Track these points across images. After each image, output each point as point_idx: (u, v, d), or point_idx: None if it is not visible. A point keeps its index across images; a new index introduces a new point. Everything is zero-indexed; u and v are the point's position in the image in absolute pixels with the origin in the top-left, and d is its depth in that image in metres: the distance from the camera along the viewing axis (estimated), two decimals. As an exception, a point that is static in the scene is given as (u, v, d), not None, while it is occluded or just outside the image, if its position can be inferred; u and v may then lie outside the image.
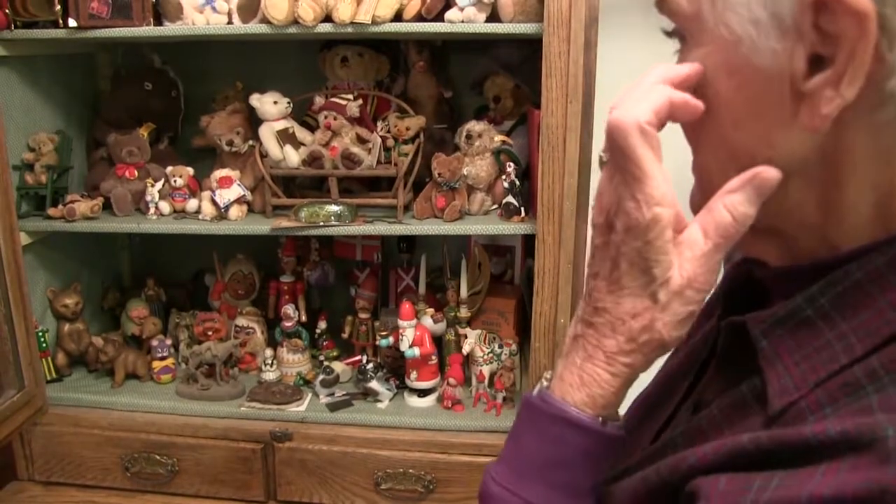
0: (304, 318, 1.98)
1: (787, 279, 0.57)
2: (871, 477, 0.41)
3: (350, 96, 1.79)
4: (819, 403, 0.50)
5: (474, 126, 1.72)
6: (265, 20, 1.58)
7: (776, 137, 0.52)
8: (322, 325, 1.99)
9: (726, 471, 0.50)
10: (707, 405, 0.61)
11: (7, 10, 1.62)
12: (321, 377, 1.83)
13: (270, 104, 1.75)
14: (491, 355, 1.79)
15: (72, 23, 1.63)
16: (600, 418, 0.60)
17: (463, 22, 1.54)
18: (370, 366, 1.82)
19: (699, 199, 0.59)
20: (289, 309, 1.93)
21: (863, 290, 0.51)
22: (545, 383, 0.65)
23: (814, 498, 0.42)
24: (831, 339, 0.51)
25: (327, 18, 1.57)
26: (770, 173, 0.52)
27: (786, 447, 0.47)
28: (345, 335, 1.98)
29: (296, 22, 1.56)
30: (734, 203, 0.53)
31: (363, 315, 1.96)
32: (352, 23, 1.54)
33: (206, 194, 1.79)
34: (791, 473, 0.46)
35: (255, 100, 1.76)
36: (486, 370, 1.79)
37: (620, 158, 0.54)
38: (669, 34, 0.59)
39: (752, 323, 0.57)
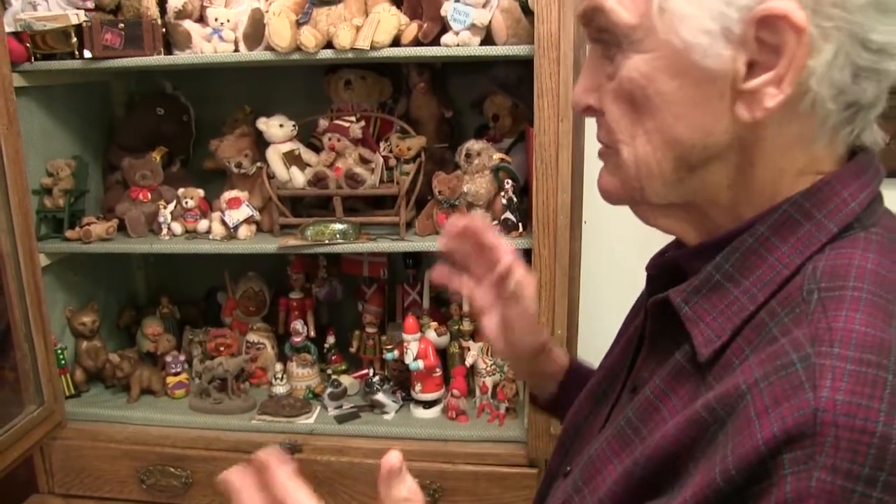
0: (312, 334, 2.04)
1: (697, 256, 0.67)
2: (798, 405, 0.49)
3: (353, 118, 1.85)
4: (741, 349, 0.59)
5: (473, 145, 1.77)
6: (269, 47, 1.65)
7: (713, 127, 0.62)
8: (330, 339, 2.05)
9: (692, 439, 0.57)
10: (644, 384, 0.69)
11: (28, 44, 1.70)
12: (329, 390, 1.89)
13: (277, 127, 1.82)
14: (494, 367, 1.83)
15: (87, 54, 1.71)
16: None
17: (458, 45, 1.60)
18: (377, 379, 1.88)
19: (616, 183, 0.69)
20: (298, 324, 1.99)
21: (756, 253, 0.62)
22: None
23: (767, 441, 0.50)
24: (738, 294, 0.62)
25: (328, 45, 1.64)
26: (395, 461, 0.65)
27: (728, 400, 0.55)
28: (352, 349, 2.03)
29: (298, 49, 1.63)
30: (400, 495, 0.66)
31: (370, 329, 2.01)
32: (352, 49, 1.60)
33: (216, 215, 1.86)
34: (731, 430, 0.53)
35: (262, 123, 1.83)
36: (489, 381, 1.83)
37: None
38: (596, 40, 0.67)
39: (673, 295, 0.67)
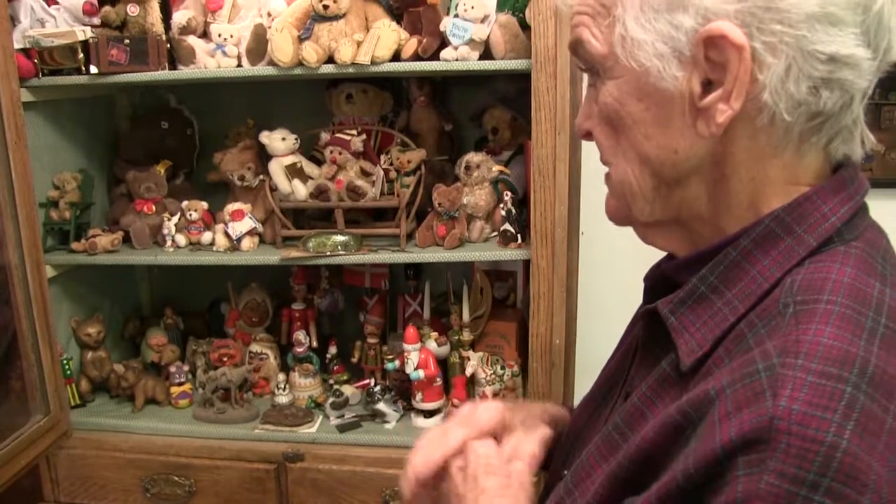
0: (315, 344, 2.06)
1: (686, 268, 0.70)
2: (757, 412, 0.52)
3: (354, 132, 1.88)
4: (721, 358, 0.62)
5: (473, 157, 1.80)
6: (272, 62, 1.68)
7: (679, 144, 0.65)
8: (332, 350, 2.07)
9: (669, 441, 0.60)
10: (634, 391, 0.72)
11: (35, 60, 1.74)
12: (331, 400, 1.91)
13: (279, 140, 1.85)
14: (494, 376, 1.85)
15: (93, 69, 1.74)
16: None
17: (457, 60, 1.63)
18: (378, 388, 1.90)
19: (614, 205, 0.75)
20: (300, 335, 2.01)
21: (739, 266, 0.65)
22: None
23: (725, 445, 0.52)
24: (721, 306, 0.65)
25: (330, 59, 1.67)
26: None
27: (699, 404, 0.58)
28: (354, 359, 2.05)
29: (300, 64, 1.66)
30: None
31: (371, 340, 2.03)
32: (353, 63, 1.63)
33: (219, 227, 1.88)
34: (699, 433, 0.56)
35: (265, 137, 1.86)
36: (489, 391, 1.85)
37: None
38: (584, 70, 0.72)
39: (661, 306, 0.70)
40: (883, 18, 0.61)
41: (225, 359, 2.00)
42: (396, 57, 1.67)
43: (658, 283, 0.77)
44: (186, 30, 1.78)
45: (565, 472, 0.81)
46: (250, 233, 1.87)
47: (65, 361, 1.88)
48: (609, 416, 0.79)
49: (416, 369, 1.81)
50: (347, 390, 1.95)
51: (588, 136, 0.74)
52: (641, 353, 0.76)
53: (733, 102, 0.61)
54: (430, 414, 1.87)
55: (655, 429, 0.62)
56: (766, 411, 0.51)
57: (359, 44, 1.64)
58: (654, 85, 0.64)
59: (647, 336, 0.75)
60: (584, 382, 1.68)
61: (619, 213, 0.74)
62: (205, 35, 1.81)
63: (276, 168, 1.85)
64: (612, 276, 1.71)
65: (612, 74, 0.67)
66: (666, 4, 0.62)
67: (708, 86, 0.62)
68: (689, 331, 0.66)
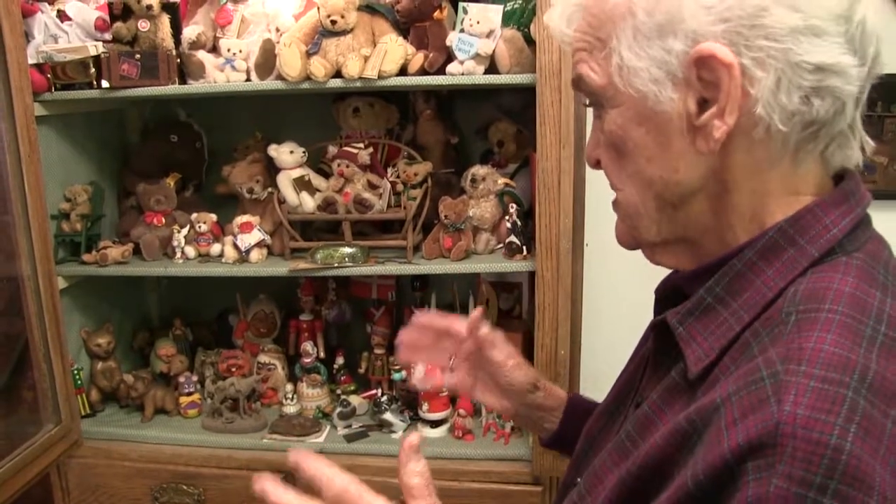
0: (322, 355, 2.08)
1: (694, 279, 0.72)
2: (762, 417, 0.54)
3: (361, 145, 1.90)
4: (727, 367, 0.64)
5: (478, 170, 1.82)
6: (280, 77, 1.71)
7: (679, 164, 0.68)
8: (339, 360, 2.09)
9: (676, 448, 0.62)
10: (647, 399, 0.74)
11: (48, 75, 1.77)
12: (339, 410, 1.92)
13: (287, 154, 1.88)
14: (499, 387, 1.86)
15: (105, 84, 1.77)
16: None
17: (463, 74, 1.65)
18: (385, 399, 1.91)
19: (623, 228, 0.77)
20: (308, 346, 2.03)
21: (744, 277, 0.67)
22: None
23: (733, 450, 0.54)
24: (727, 316, 0.67)
25: (337, 74, 1.69)
26: (414, 440, 0.71)
27: (705, 412, 0.59)
28: (361, 370, 2.06)
29: (308, 78, 1.69)
30: (414, 469, 0.71)
31: (378, 350, 2.05)
32: (360, 78, 1.66)
33: (228, 239, 1.91)
34: (705, 440, 0.58)
35: (273, 150, 1.88)
36: (494, 401, 1.86)
37: None
38: (588, 105, 0.74)
39: (669, 317, 0.71)
40: (866, 27, 0.63)
41: (233, 369, 2.01)
42: (403, 71, 1.69)
43: (668, 294, 0.79)
44: (196, 45, 1.81)
45: (579, 479, 0.83)
46: (259, 245, 1.89)
47: (75, 371, 1.90)
48: (621, 425, 0.81)
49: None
50: (354, 400, 1.97)
51: (598, 164, 0.76)
52: (652, 363, 0.78)
53: (727, 118, 0.63)
54: (436, 424, 1.88)
55: (665, 436, 0.63)
56: (772, 416, 0.53)
57: (366, 58, 1.67)
58: (653, 109, 0.66)
59: (657, 346, 0.77)
60: (588, 393, 1.69)
61: (628, 236, 0.77)
62: (214, 50, 1.85)
63: (285, 181, 1.88)
64: (616, 286, 1.72)
65: (614, 103, 0.69)
66: (657, 31, 0.64)
67: (703, 104, 0.65)
68: (697, 340, 0.68)
